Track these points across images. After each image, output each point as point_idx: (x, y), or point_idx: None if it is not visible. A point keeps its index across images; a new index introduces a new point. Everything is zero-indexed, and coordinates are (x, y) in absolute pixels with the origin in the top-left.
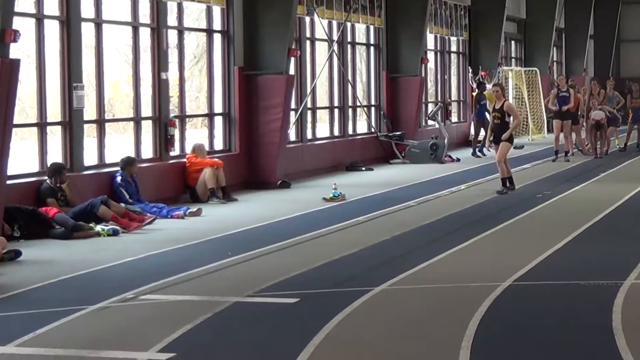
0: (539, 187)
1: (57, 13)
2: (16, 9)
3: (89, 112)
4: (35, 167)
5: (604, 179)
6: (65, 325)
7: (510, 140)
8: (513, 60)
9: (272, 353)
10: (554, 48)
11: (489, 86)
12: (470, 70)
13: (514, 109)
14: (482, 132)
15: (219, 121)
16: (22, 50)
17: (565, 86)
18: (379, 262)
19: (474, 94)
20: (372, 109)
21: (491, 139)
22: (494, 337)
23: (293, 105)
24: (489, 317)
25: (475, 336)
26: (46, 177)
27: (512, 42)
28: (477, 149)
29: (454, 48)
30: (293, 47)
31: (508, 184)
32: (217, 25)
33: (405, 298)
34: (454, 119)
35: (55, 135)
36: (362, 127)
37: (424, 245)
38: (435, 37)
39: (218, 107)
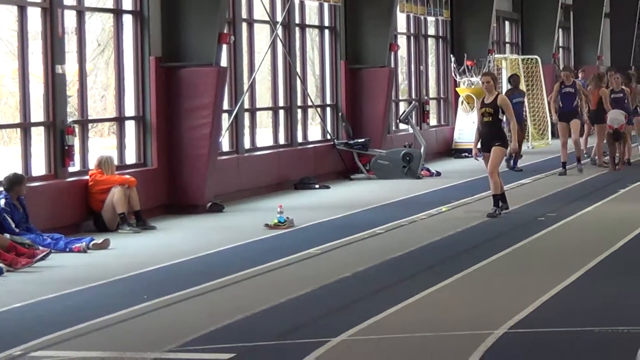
0: (541, 208)
1: None
2: None
3: None
4: None
5: (624, 197)
6: None
7: (504, 144)
8: (508, 46)
9: None
10: (560, 30)
11: (476, 79)
12: (452, 59)
13: (509, 105)
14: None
15: (130, 127)
16: None
17: (570, 80)
18: (336, 306)
19: (461, 89)
20: (328, 109)
21: (478, 147)
22: None
23: (226, 106)
24: None
25: None
26: None
27: (507, 22)
28: (515, 161)
29: (432, 31)
30: (225, 31)
31: (500, 203)
32: (127, 4)
33: (370, 352)
34: (433, 121)
35: None
36: (314, 134)
37: (394, 284)
38: (408, 17)
39: (130, 109)
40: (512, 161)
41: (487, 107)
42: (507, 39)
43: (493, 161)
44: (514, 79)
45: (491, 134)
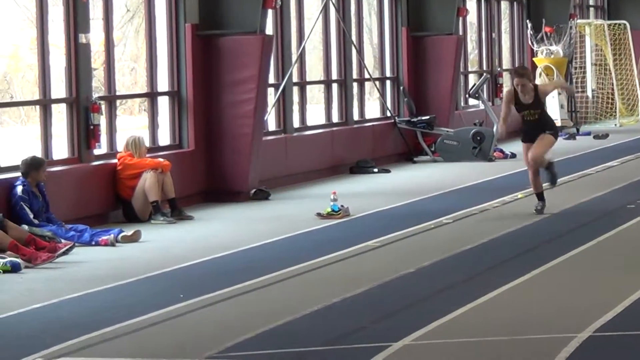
0: (630, 195)
1: None
2: None
3: None
4: None
5: None
6: None
7: (555, 133)
8: (592, 10)
9: None
10: None
11: (556, 48)
12: (529, 25)
13: (548, 87)
14: None
15: (164, 104)
16: None
17: None
18: (398, 306)
19: (539, 59)
20: (387, 83)
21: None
22: None
23: (272, 80)
24: None
25: None
26: None
27: None
28: None
29: None
30: None
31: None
32: None
33: (435, 358)
34: None
35: None
36: (373, 110)
37: (463, 282)
38: None
39: (163, 84)
40: None
41: (529, 110)
42: (591, 2)
43: (541, 147)
44: None
45: (539, 126)
